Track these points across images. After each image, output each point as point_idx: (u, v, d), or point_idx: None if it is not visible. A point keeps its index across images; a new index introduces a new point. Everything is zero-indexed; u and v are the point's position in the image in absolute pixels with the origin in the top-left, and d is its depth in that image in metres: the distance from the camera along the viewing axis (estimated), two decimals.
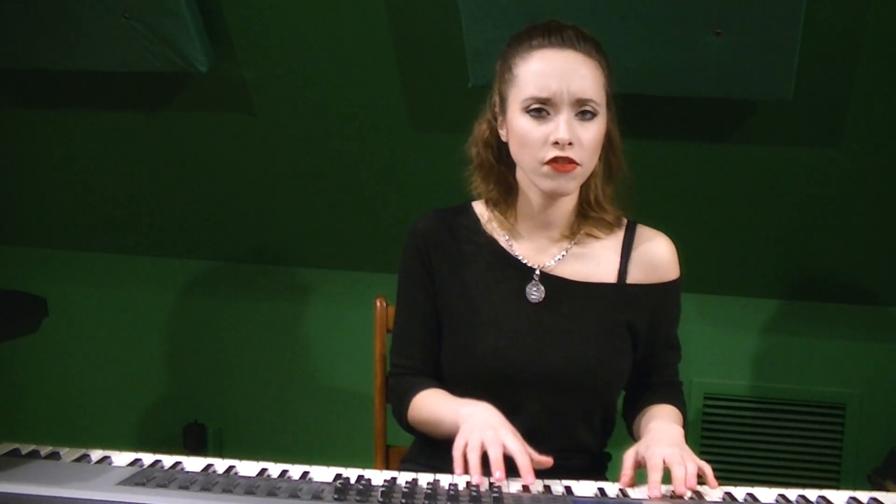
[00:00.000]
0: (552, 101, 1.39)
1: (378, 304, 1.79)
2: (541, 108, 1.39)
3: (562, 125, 1.38)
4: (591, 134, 1.40)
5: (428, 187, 2.58)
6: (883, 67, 2.16)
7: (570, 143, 1.38)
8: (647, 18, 2.05)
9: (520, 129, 1.41)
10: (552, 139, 1.38)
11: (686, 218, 2.50)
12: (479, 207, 1.57)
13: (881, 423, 2.63)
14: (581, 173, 1.42)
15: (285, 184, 2.68)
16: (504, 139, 1.48)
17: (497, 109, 1.49)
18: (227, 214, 2.80)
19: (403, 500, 1.15)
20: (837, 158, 2.35)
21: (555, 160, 1.39)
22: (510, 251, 1.52)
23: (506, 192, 1.53)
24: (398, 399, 1.56)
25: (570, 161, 1.39)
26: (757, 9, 2.01)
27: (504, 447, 1.27)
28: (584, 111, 1.40)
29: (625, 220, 1.55)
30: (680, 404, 1.55)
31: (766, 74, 2.11)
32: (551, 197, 1.46)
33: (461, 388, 1.48)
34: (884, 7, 2.06)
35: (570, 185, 1.43)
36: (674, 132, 2.38)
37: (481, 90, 2.24)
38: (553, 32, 1.42)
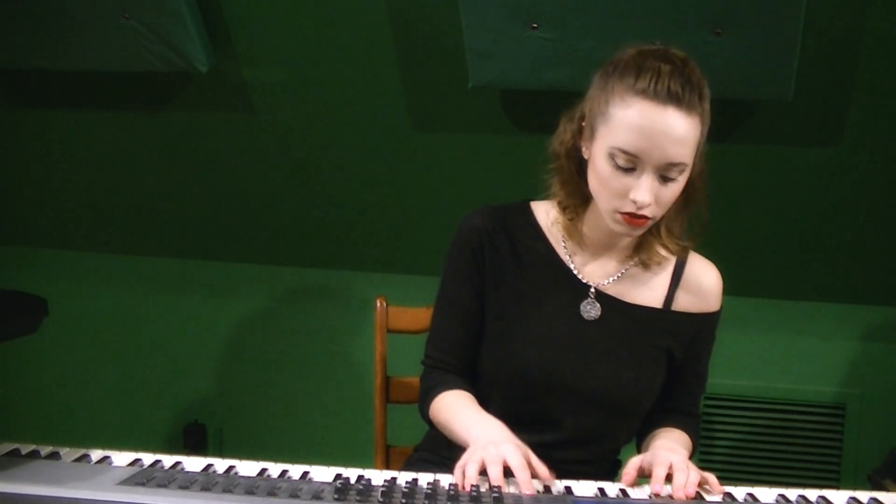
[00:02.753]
0: (640, 159, 1.32)
1: (378, 304, 1.79)
2: (627, 165, 1.33)
3: (643, 189, 1.32)
4: (671, 193, 1.35)
5: (429, 187, 2.58)
6: (883, 67, 2.16)
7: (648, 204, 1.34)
8: (646, 18, 2.05)
9: (601, 171, 1.36)
10: (631, 197, 1.33)
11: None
12: (541, 212, 1.52)
13: (881, 423, 2.63)
14: (651, 223, 1.39)
15: (285, 184, 2.68)
16: (586, 156, 1.42)
17: (584, 125, 1.42)
18: (226, 214, 2.80)
19: (403, 500, 1.15)
20: (837, 158, 2.35)
21: (629, 213, 1.35)
22: (567, 264, 1.49)
23: (581, 205, 1.47)
24: (424, 392, 1.54)
25: (644, 217, 1.36)
26: (757, 9, 2.01)
27: (505, 461, 1.25)
28: (668, 175, 1.34)
29: (689, 250, 1.51)
30: (692, 434, 1.54)
31: (766, 74, 2.11)
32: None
33: (499, 391, 1.48)
34: (884, 7, 2.06)
35: (639, 232, 1.41)
36: None
37: (481, 90, 2.26)
38: (660, 79, 1.31)
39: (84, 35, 2.31)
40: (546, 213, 1.52)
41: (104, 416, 3.02)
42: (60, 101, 2.63)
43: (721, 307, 1.53)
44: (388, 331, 1.79)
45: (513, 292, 1.49)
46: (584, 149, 1.42)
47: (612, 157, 1.33)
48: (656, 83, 1.30)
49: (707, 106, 1.36)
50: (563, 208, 1.48)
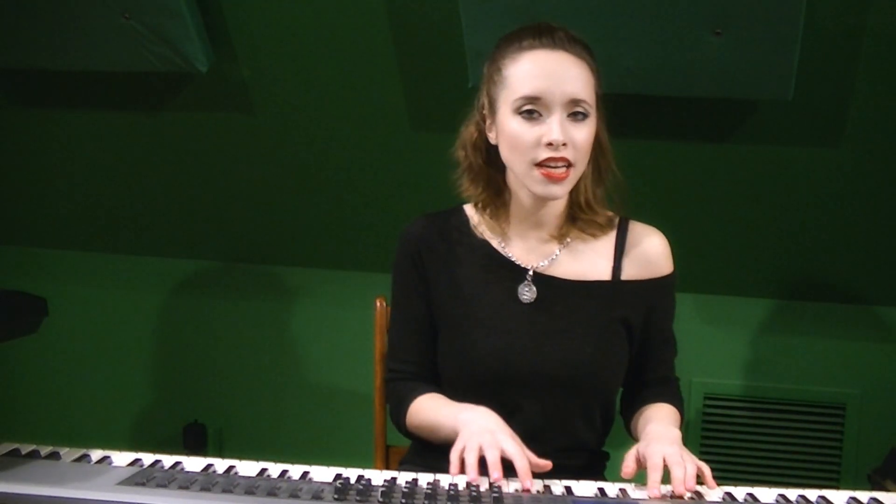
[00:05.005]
0: (544, 101, 1.38)
1: (378, 304, 1.79)
2: (532, 110, 1.38)
3: (555, 126, 1.37)
4: (583, 135, 1.39)
5: (428, 187, 2.57)
6: (883, 67, 2.16)
7: (563, 144, 1.37)
8: (646, 18, 2.05)
9: (511, 131, 1.40)
10: (545, 140, 1.37)
11: (686, 218, 2.50)
12: (470, 209, 1.57)
13: (881, 423, 2.63)
14: (573, 177, 1.42)
15: (285, 184, 2.68)
16: (493, 142, 1.47)
17: (485, 112, 1.48)
18: (226, 214, 2.80)
19: (403, 500, 1.15)
20: (837, 158, 2.35)
21: (548, 163, 1.38)
22: (503, 252, 1.52)
23: (495, 195, 1.52)
24: (396, 404, 1.56)
25: (564, 164, 1.38)
26: (757, 9, 2.01)
27: (502, 451, 1.26)
28: (576, 112, 1.39)
29: (616, 219, 1.54)
30: (677, 402, 1.55)
31: (766, 74, 2.11)
32: (542, 201, 1.46)
33: (458, 390, 1.48)
34: (884, 7, 2.06)
35: (561, 191, 1.42)
36: (674, 132, 2.38)
37: None
38: (543, 33, 1.41)
39: (84, 35, 2.31)
40: (475, 212, 1.55)
41: (104, 416, 3.02)
42: (60, 101, 2.63)
43: (674, 270, 1.54)
44: (388, 331, 1.79)
45: (456, 290, 1.51)
46: (490, 135, 1.47)
47: (517, 111, 1.39)
48: (541, 36, 1.41)
49: (594, 64, 1.43)
50: (483, 207, 1.53)
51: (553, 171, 1.38)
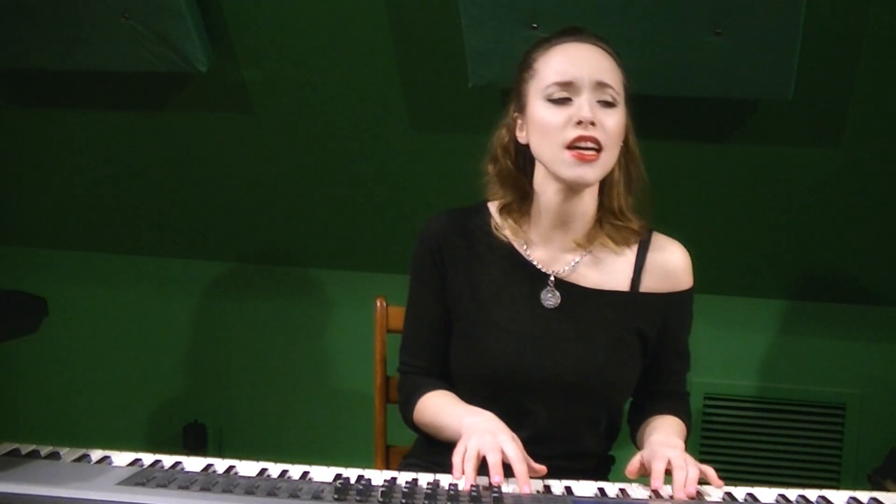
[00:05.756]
0: (574, 85, 1.40)
1: (378, 304, 1.79)
2: (563, 97, 1.40)
3: (584, 105, 1.38)
4: (613, 121, 1.40)
5: (428, 187, 2.58)
6: (883, 67, 2.16)
7: (592, 123, 1.37)
8: (646, 18, 2.05)
9: (541, 117, 1.41)
10: (575, 119, 1.38)
11: (685, 218, 2.50)
12: (494, 209, 1.55)
13: (881, 423, 2.63)
14: (603, 162, 1.40)
15: (285, 184, 2.68)
16: (523, 141, 1.47)
17: (516, 113, 1.48)
18: (226, 214, 2.80)
19: (403, 500, 1.15)
20: (837, 158, 2.35)
21: (578, 143, 1.37)
22: (524, 255, 1.51)
23: (521, 199, 1.51)
24: (405, 398, 1.56)
25: (594, 145, 1.38)
26: (757, 9, 2.01)
27: (502, 453, 1.26)
28: (604, 99, 1.40)
29: (645, 231, 1.52)
30: (685, 415, 1.55)
31: (766, 74, 2.11)
32: (572, 189, 1.44)
33: (470, 389, 1.48)
34: (884, 7, 2.06)
35: (592, 174, 1.41)
36: (674, 132, 2.38)
37: (481, 90, 2.26)
38: (572, 31, 1.46)
39: (84, 35, 2.31)
40: (500, 216, 1.55)
41: (104, 416, 3.02)
42: (60, 101, 2.63)
43: (693, 284, 1.53)
44: (388, 331, 1.79)
45: (474, 290, 1.51)
46: (520, 135, 1.48)
47: (548, 98, 1.41)
48: (569, 33, 1.46)
49: (623, 66, 1.46)
50: (509, 211, 1.52)
51: (584, 152, 1.38)
